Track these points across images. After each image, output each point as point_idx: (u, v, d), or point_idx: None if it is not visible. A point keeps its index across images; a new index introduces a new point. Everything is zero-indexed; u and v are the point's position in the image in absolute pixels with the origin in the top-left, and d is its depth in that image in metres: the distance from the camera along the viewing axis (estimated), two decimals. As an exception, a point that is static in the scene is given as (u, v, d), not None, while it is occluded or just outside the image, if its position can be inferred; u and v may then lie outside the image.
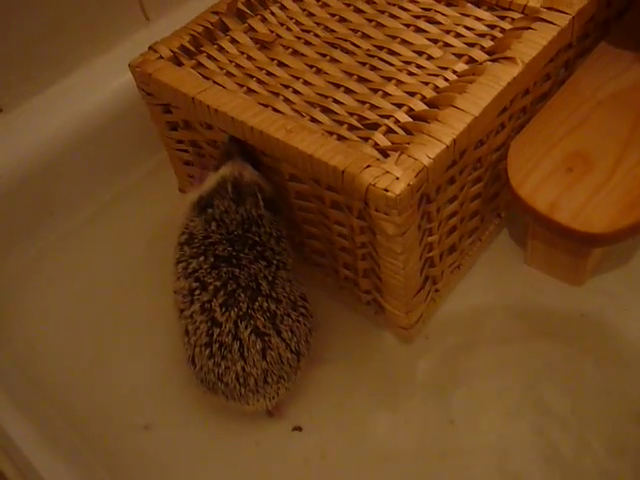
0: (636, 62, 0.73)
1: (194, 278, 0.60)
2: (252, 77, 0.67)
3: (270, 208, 0.63)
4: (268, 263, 0.61)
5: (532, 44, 0.63)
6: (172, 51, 0.70)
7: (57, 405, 0.68)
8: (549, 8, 0.65)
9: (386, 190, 0.53)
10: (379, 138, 0.58)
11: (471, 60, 0.64)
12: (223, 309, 0.59)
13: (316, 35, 0.70)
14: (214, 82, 0.66)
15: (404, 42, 0.67)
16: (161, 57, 0.70)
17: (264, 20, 0.73)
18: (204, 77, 0.67)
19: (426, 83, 0.63)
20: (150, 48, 0.71)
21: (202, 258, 0.61)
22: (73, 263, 0.82)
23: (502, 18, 0.68)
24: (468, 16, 0.68)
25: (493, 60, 0.62)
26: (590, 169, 0.65)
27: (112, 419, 0.68)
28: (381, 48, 0.67)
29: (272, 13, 0.74)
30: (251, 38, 0.71)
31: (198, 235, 0.62)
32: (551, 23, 0.64)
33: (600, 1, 0.68)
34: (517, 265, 0.74)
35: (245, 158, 0.65)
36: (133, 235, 0.84)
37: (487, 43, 0.65)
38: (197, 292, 0.60)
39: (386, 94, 0.62)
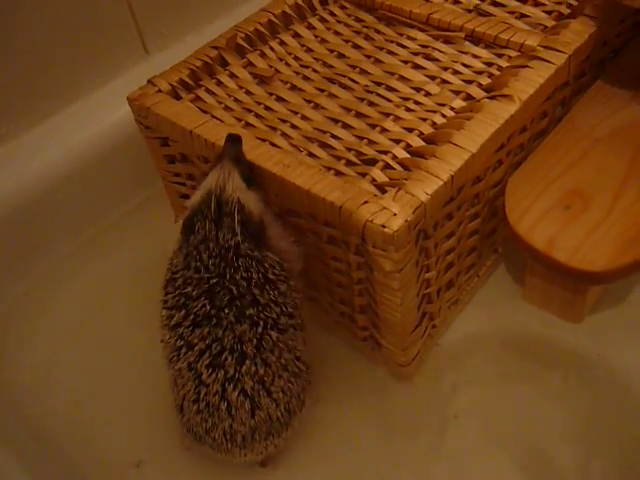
0: (632, 101, 0.73)
1: (178, 335, 0.56)
2: (250, 111, 0.67)
3: (254, 235, 0.55)
4: (252, 323, 0.54)
5: (529, 82, 0.63)
6: (171, 85, 0.70)
7: (46, 442, 0.67)
8: (546, 47, 0.66)
9: (383, 226, 0.53)
10: (377, 174, 0.58)
11: (469, 97, 0.64)
12: (209, 370, 0.55)
13: (315, 70, 0.70)
14: (212, 116, 0.66)
15: (402, 78, 0.67)
16: (160, 91, 0.70)
17: (263, 55, 0.73)
18: (202, 111, 0.67)
19: (424, 119, 0.63)
20: (149, 82, 0.71)
21: (183, 312, 0.56)
22: (67, 294, 0.81)
23: (499, 56, 0.68)
24: (466, 53, 0.69)
25: (490, 97, 0.63)
26: (588, 206, 0.65)
27: (103, 456, 0.66)
28: (379, 84, 0.67)
29: (271, 48, 0.74)
30: (250, 73, 0.71)
31: (178, 279, 0.56)
32: (548, 62, 0.65)
33: (596, 40, 0.69)
34: (515, 301, 0.73)
35: (240, 162, 0.58)
36: (128, 267, 0.83)
37: (484, 80, 0.66)
38: (183, 350, 0.56)
39: (384, 130, 0.62)
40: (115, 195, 0.88)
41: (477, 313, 0.73)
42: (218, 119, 0.66)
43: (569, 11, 0.72)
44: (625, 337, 0.69)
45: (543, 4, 0.74)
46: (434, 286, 0.64)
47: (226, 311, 0.54)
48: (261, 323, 0.55)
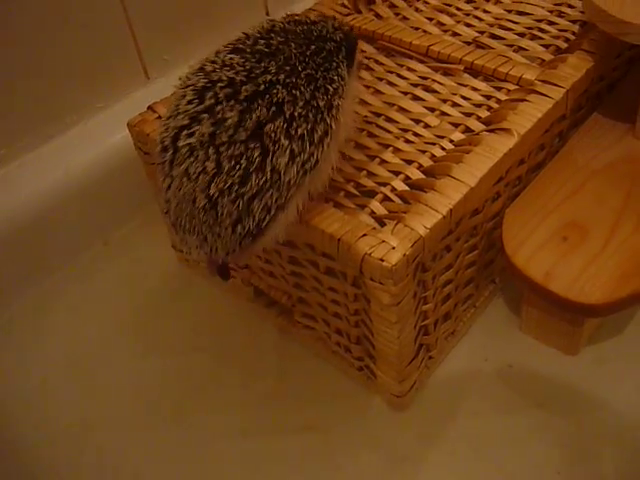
0: (628, 133, 0.74)
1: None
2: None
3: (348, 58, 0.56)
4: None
5: (527, 116, 0.64)
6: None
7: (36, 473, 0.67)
8: (544, 81, 0.67)
9: (382, 260, 0.53)
10: (376, 206, 0.58)
11: (467, 129, 0.65)
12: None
13: (314, 100, 0.71)
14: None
15: (402, 110, 0.68)
16: (160, 117, 0.70)
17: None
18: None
19: (423, 151, 0.63)
20: (149, 108, 0.72)
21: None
22: (60, 320, 0.80)
23: (498, 89, 0.69)
24: (465, 86, 0.69)
25: (489, 130, 0.63)
26: (585, 238, 0.65)
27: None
28: (379, 115, 0.68)
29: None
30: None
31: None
32: (546, 96, 0.65)
33: (593, 75, 0.70)
34: (511, 331, 0.73)
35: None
36: (124, 290, 0.83)
37: (483, 113, 0.66)
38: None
39: (383, 161, 0.63)
40: (113, 218, 0.88)
41: (474, 344, 0.73)
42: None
43: (566, 45, 0.73)
44: (621, 370, 0.69)
45: (541, 38, 0.74)
46: (431, 318, 0.64)
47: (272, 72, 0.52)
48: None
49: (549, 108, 0.65)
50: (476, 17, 0.79)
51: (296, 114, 0.51)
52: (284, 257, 0.65)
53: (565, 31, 0.75)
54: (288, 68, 0.52)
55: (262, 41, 0.54)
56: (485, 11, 0.80)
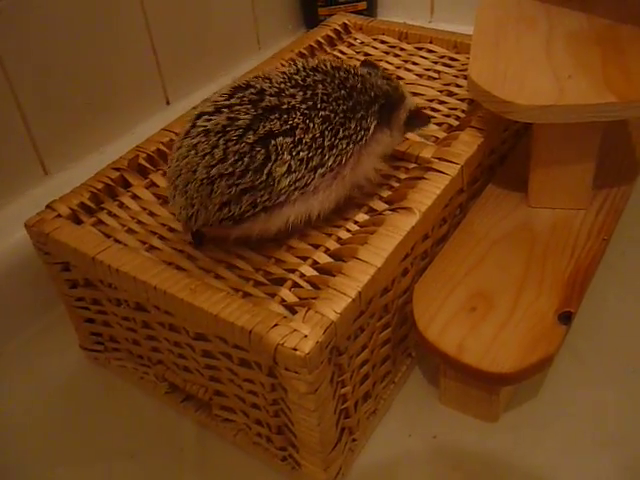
0: (522, 202, 0.77)
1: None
2: (155, 234, 0.66)
3: (387, 117, 0.65)
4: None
5: (427, 193, 0.66)
6: (71, 209, 0.69)
7: None
8: (439, 158, 0.70)
9: (295, 349, 0.52)
10: (285, 294, 0.58)
11: (371, 210, 0.66)
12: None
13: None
14: (115, 240, 0.65)
15: (305, 194, 0.69)
16: (59, 215, 0.68)
17: (165, 175, 0.73)
18: (105, 235, 0.66)
19: (329, 235, 0.64)
20: (48, 206, 0.70)
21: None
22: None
23: (396, 168, 0.71)
24: (365, 167, 0.71)
25: (392, 210, 0.65)
26: (492, 308, 0.67)
27: None
28: (283, 200, 0.68)
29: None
30: (153, 194, 0.71)
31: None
32: (443, 173, 0.68)
33: (484, 149, 0.73)
34: (432, 404, 0.73)
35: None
36: (29, 395, 0.78)
37: (385, 192, 0.68)
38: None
39: (290, 247, 0.63)
40: (14, 322, 0.84)
41: (396, 420, 0.72)
42: (121, 243, 0.65)
43: (458, 123, 0.77)
44: (539, 431, 0.70)
45: (433, 117, 0.78)
46: (351, 400, 0.63)
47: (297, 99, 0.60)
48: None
49: (446, 184, 0.67)
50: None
51: (304, 141, 0.59)
52: (197, 351, 0.64)
53: (455, 109, 0.80)
54: (311, 103, 0.60)
55: (303, 74, 0.62)
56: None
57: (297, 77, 0.62)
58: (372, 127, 0.63)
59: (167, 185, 0.63)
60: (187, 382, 0.70)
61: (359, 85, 0.63)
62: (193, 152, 0.58)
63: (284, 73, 0.63)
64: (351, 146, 0.61)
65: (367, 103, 0.63)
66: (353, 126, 0.61)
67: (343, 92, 0.62)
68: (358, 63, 0.85)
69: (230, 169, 0.57)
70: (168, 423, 0.74)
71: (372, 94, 0.64)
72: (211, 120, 0.59)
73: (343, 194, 0.64)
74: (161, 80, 0.99)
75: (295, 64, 0.64)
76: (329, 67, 0.64)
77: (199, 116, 0.60)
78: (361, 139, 0.62)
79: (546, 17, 0.81)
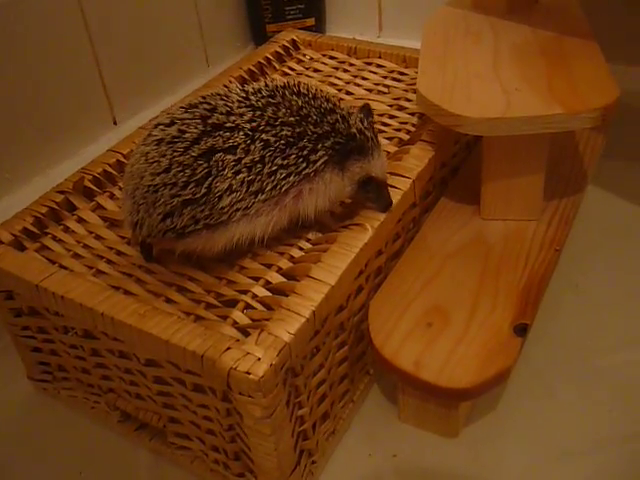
0: (475, 215, 0.78)
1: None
2: (102, 258, 0.64)
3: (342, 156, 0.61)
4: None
5: (379, 209, 0.65)
6: (13, 235, 0.66)
7: None
8: (391, 173, 0.69)
9: (248, 373, 0.51)
10: (238, 316, 0.57)
11: (323, 227, 0.65)
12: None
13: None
14: (60, 266, 0.63)
15: (257, 212, 0.68)
16: (1, 242, 0.66)
17: (112, 197, 0.72)
18: (49, 261, 0.64)
19: (281, 254, 0.63)
20: (-11, 236, 0.67)
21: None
22: None
23: (348, 184, 0.70)
24: (316, 184, 0.70)
25: (344, 227, 0.64)
26: (448, 323, 0.66)
27: None
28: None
29: (121, 189, 0.72)
30: (99, 216, 0.69)
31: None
32: (394, 187, 0.67)
33: (435, 163, 0.73)
34: (391, 422, 0.72)
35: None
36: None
37: (337, 209, 0.67)
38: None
39: (242, 268, 0.62)
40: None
41: (356, 440, 0.71)
42: (67, 268, 0.63)
43: (408, 137, 0.77)
44: (499, 444, 0.70)
45: (384, 131, 0.78)
46: (309, 422, 0.62)
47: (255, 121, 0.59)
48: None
49: (399, 199, 0.67)
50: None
51: (243, 161, 0.58)
52: (149, 377, 0.62)
53: (406, 123, 0.80)
54: (255, 124, 0.59)
55: (266, 93, 0.62)
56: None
57: (253, 98, 0.61)
58: (320, 163, 0.60)
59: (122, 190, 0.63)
60: (140, 410, 0.68)
61: (315, 116, 0.60)
62: (144, 159, 0.59)
63: (245, 92, 0.62)
64: (292, 177, 0.59)
65: (318, 136, 0.60)
66: (294, 156, 0.59)
67: (292, 119, 0.59)
68: (308, 80, 0.86)
69: (173, 179, 0.57)
70: (122, 453, 0.71)
71: (327, 129, 0.60)
72: (164, 131, 0.60)
73: (287, 222, 0.62)
74: (107, 100, 0.97)
75: (266, 83, 0.63)
76: (294, 93, 0.62)
77: (156, 126, 0.61)
78: (303, 171, 0.59)
79: (492, 31, 0.82)
